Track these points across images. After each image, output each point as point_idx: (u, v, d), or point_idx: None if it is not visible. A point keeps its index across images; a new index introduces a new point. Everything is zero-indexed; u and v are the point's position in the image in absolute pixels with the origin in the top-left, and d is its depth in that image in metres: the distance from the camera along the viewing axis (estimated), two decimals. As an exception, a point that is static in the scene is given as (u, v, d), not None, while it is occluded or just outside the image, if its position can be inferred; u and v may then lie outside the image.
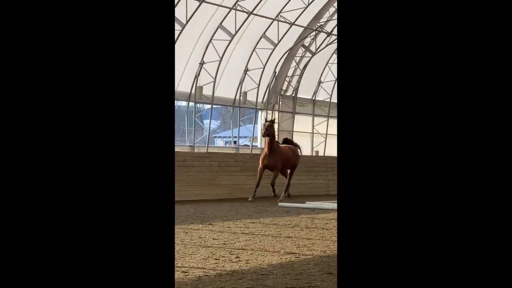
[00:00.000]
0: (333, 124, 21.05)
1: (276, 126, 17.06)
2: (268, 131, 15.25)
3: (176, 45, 15.84)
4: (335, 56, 20.38)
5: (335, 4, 19.37)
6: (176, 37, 15.74)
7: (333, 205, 13.57)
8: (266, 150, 15.52)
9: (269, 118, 18.74)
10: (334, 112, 20.83)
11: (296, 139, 19.44)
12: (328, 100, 21.20)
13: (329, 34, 19.90)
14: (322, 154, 21.25)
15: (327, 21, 20.07)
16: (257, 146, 20.47)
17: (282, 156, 15.78)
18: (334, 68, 20.70)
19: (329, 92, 21.17)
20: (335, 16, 19.69)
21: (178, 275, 5.78)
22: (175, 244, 7.01)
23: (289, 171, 16.16)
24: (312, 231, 10.61)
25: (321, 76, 21.28)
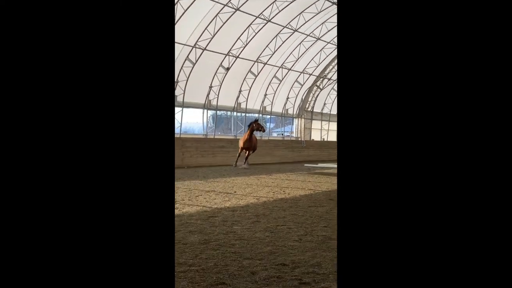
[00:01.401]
0: (331, 125, 34.19)
1: (259, 123, 21.62)
2: (255, 126, 20.20)
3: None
4: (333, 90, 31.94)
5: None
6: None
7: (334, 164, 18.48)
8: (246, 137, 20.42)
9: (296, 123, 29.45)
10: (331, 118, 33.69)
11: (313, 134, 31.08)
12: (328, 112, 34.13)
13: (329, 79, 31.50)
14: (326, 139, 34.29)
15: (328, 72, 31.59)
16: (293, 136, 31.21)
17: (253, 142, 20.93)
18: (333, 95, 32.54)
19: (328, 107, 33.98)
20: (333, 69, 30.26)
21: (254, 200, 8.93)
22: (253, 186, 12.17)
23: (251, 151, 21.34)
24: (321, 179, 14.79)
25: (325, 99, 34.15)
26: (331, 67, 31.64)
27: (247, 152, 20.21)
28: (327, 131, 34.56)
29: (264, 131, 20.01)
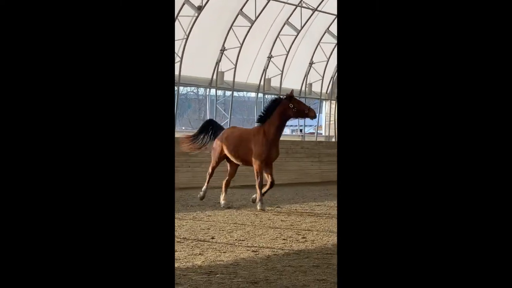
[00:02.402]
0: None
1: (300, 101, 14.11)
2: (294, 107, 11.63)
3: (245, 41, 16.28)
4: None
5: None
6: (246, 33, 16.22)
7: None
8: (272, 135, 11.78)
9: (327, 110, 18.86)
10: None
11: None
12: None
13: None
14: None
15: None
16: (321, 134, 20.48)
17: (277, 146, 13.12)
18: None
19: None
20: None
21: (249, 254, 5.88)
22: (247, 225, 7.20)
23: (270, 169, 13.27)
24: None
25: None
26: None
27: (269, 170, 9.85)
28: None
29: (314, 116, 10.09)
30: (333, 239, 6.81)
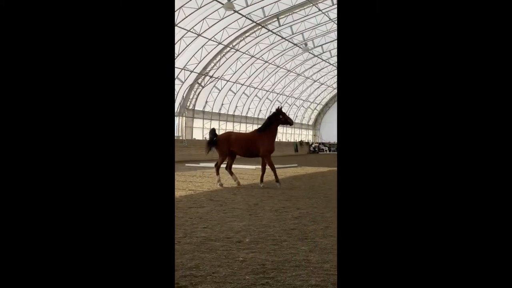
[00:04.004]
0: (213, 123, 33.20)
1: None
2: (282, 118, 12.84)
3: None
4: (215, 88, 32.07)
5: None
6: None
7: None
8: (272, 137, 13.40)
9: (177, 122, 26.76)
10: (213, 116, 32.51)
11: (195, 133, 30.58)
12: (210, 110, 32.98)
13: (211, 76, 31.00)
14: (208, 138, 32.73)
15: (210, 69, 30.76)
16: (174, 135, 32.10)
17: None
18: (215, 93, 32.16)
19: (210, 105, 32.95)
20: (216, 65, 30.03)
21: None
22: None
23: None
24: (202, 179, 14.13)
25: (207, 97, 32.66)
26: (212, 64, 30.71)
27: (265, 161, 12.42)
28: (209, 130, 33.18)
29: (292, 124, 12.61)
30: (182, 193, 9.75)
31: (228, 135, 12.46)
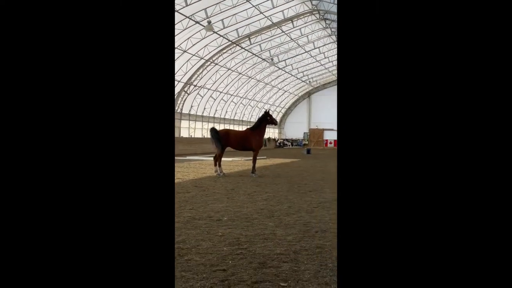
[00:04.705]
0: (197, 124, 33.05)
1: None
2: (269, 119, 12.73)
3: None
4: (198, 95, 32.14)
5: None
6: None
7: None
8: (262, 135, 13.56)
9: None
10: (197, 118, 32.38)
11: (182, 132, 30.35)
12: (195, 113, 32.94)
13: (195, 85, 31.06)
14: (193, 136, 33.02)
15: (194, 79, 30.77)
16: None
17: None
18: (198, 98, 32.25)
19: (195, 109, 32.75)
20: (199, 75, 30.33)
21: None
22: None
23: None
24: (189, 169, 13.29)
25: (192, 102, 32.54)
26: (196, 75, 30.74)
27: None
28: (194, 129, 34.18)
29: (276, 124, 12.90)
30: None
31: (227, 132, 12.17)
